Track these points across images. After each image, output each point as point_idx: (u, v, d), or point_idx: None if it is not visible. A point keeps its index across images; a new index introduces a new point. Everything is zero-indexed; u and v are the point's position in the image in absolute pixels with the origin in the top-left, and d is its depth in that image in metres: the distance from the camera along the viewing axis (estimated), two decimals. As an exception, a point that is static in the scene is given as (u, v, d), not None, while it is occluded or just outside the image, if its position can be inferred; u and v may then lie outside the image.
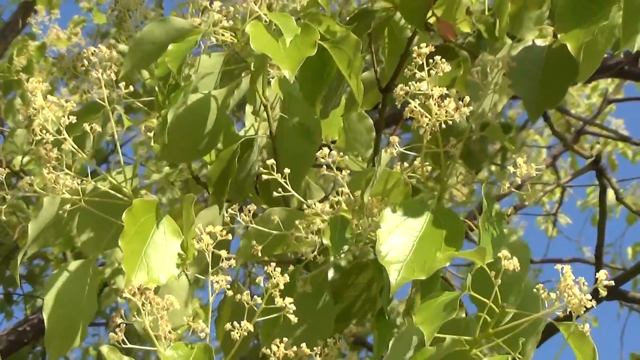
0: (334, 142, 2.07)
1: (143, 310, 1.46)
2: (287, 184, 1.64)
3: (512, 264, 1.41)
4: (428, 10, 1.84)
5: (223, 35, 1.79)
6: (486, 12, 1.87)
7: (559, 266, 1.40)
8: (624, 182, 6.05)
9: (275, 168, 1.63)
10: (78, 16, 3.99)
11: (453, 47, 1.82)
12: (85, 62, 1.75)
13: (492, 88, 1.66)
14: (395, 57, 2.01)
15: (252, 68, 1.82)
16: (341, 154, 1.66)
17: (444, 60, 1.51)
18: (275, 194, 1.65)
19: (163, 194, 4.15)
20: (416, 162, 1.65)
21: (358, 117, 2.08)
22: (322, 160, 1.64)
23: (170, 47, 1.71)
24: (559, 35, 1.59)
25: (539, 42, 1.70)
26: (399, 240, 1.52)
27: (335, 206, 1.63)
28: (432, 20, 1.86)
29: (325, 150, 1.64)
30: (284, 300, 1.47)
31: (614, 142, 5.78)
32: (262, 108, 1.85)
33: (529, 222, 6.96)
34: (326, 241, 1.58)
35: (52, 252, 4.33)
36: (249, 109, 1.94)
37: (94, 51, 1.74)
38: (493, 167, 4.84)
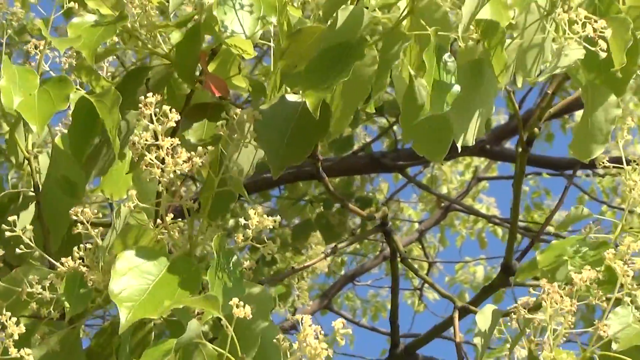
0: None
1: None
2: (31, 240, 1.61)
3: (242, 311, 1.37)
4: (199, 66, 1.82)
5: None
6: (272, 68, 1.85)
7: (298, 316, 1.37)
8: (493, 260, 6.08)
9: (16, 224, 1.59)
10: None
11: (223, 104, 1.80)
12: None
13: (243, 143, 1.64)
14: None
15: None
16: (95, 211, 1.62)
17: (173, 109, 1.50)
18: (17, 250, 1.61)
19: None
20: (168, 218, 1.61)
21: (149, 173, 2.03)
22: (75, 218, 1.61)
23: None
24: (301, 92, 1.58)
25: (294, 98, 1.68)
26: (134, 281, 1.50)
27: (77, 262, 1.59)
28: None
29: (78, 208, 1.61)
30: (19, 351, 1.43)
31: (485, 220, 5.79)
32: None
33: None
34: (63, 297, 1.54)
35: None
36: None
37: None
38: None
